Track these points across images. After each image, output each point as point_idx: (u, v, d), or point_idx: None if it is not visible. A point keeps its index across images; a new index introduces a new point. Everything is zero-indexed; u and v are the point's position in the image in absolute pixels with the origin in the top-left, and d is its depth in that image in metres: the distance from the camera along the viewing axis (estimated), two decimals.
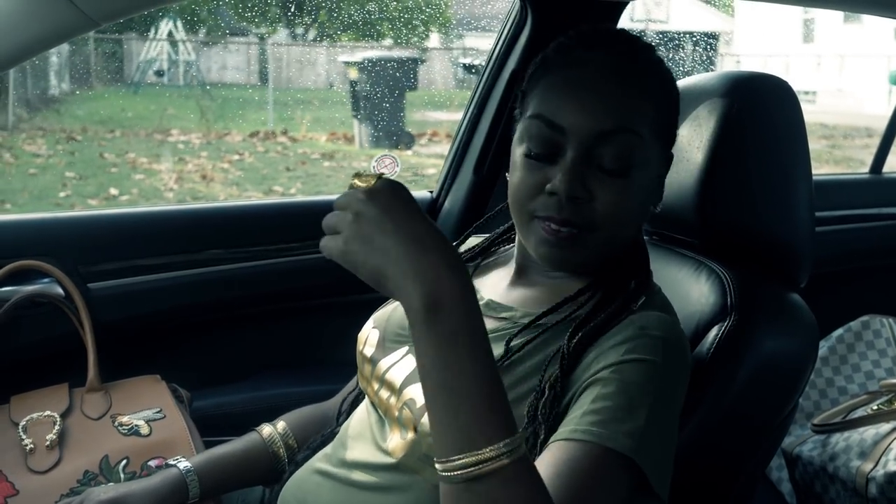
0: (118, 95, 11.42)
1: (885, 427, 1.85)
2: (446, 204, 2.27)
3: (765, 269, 1.46)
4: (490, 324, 1.27)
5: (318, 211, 2.26)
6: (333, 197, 1.04)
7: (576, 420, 1.09)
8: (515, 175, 1.26)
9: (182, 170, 8.53)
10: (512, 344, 1.22)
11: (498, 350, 1.21)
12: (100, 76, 11.59)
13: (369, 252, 0.96)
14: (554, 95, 1.23)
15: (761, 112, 1.47)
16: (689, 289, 1.44)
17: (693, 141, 1.47)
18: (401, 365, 1.30)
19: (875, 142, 2.96)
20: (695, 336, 1.39)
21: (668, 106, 1.28)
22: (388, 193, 0.98)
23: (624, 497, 1.08)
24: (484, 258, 1.48)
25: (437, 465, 0.95)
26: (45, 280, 1.84)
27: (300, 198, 2.87)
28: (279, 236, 2.17)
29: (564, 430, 1.09)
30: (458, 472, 0.92)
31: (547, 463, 1.05)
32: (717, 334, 1.35)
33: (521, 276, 1.36)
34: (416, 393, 1.22)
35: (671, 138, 1.30)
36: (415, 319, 0.95)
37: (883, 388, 2.00)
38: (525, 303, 1.31)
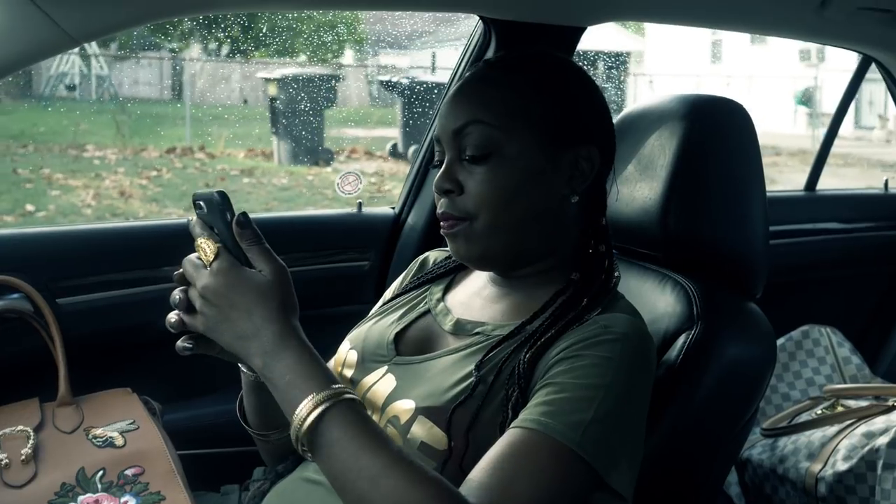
0: (28, 110, 11.13)
1: (830, 430, 1.92)
2: (409, 219, 2.28)
3: (723, 279, 1.52)
4: (462, 341, 1.33)
5: (283, 226, 2.28)
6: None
7: (527, 410, 1.15)
8: None
9: (100, 186, 8.38)
10: (483, 366, 1.25)
11: (469, 366, 1.26)
12: (7, 90, 11.23)
13: (227, 328, 1.18)
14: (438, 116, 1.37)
15: (719, 133, 1.54)
16: (655, 300, 1.49)
17: (656, 160, 1.53)
18: (382, 383, 1.33)
19: (782, 160, 3.07)
20: (662, 344, 1.43)
21: (549, 103, 1.31)
22: (232, 274, 1.15)
23: (576, 493, 1.12)
24: (458, 272, 1.51)
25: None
26: (15, 296, 1.82)
27: (265, 213, 2.85)
28: None
29: (517, 420, 1.15)
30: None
31: (494, 447, 1.12)
32: (685, 342, 1.40)
33: (494, 288, 1.39)
34: (399, 409, 1.26)
35: (562, 131, 1.32)
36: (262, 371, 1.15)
37: (826, 394, 2.08)
38: (496, 316, 1.35)
